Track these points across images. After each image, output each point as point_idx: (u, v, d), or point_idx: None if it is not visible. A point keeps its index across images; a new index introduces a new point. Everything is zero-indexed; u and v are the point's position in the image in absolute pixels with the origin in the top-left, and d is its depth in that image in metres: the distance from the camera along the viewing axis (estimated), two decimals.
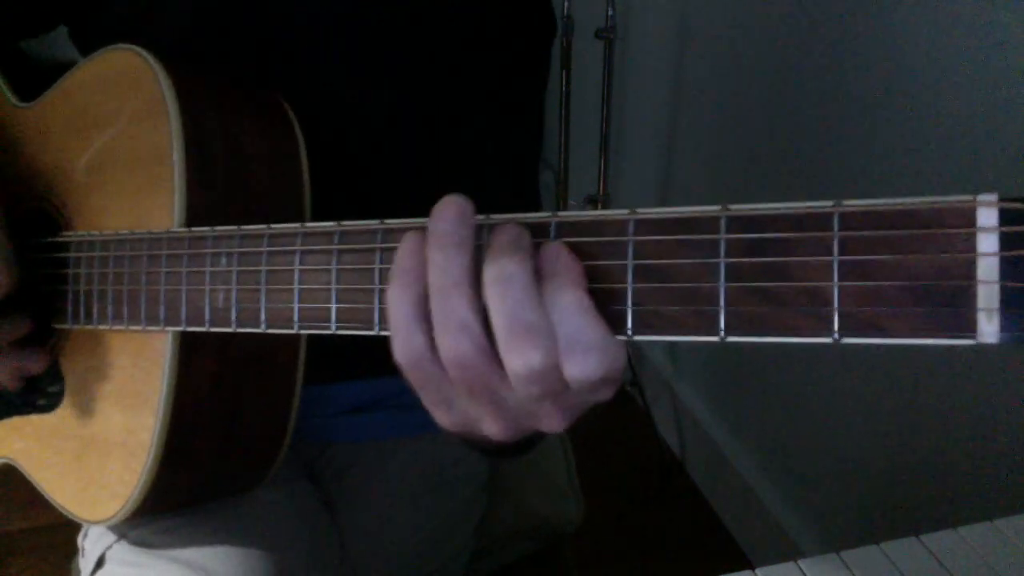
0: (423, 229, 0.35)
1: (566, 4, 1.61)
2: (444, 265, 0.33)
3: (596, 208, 1.72)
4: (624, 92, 1.86)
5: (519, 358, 0.32)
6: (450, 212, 0.34)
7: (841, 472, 1.24)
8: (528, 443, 0.47)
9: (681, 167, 1.68)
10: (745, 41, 1.38)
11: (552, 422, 0.37)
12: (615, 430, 1.72)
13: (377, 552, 0.70)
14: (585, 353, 0.32)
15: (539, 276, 0.33)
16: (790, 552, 1.33)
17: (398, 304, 0.35)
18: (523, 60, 0.69)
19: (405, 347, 0.36)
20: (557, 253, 0.33)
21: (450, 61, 0.64)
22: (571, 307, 0.32)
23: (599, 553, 1.45)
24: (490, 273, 0.33)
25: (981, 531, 0.57)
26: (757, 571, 0.53)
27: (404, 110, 0.64)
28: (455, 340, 0.33)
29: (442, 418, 0.40)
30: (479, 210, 0.36)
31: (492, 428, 0.38)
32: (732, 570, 0.53)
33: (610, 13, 1.56)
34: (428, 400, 0.39)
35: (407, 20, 0.62)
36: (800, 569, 0.54)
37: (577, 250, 0.33)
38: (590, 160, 1.75)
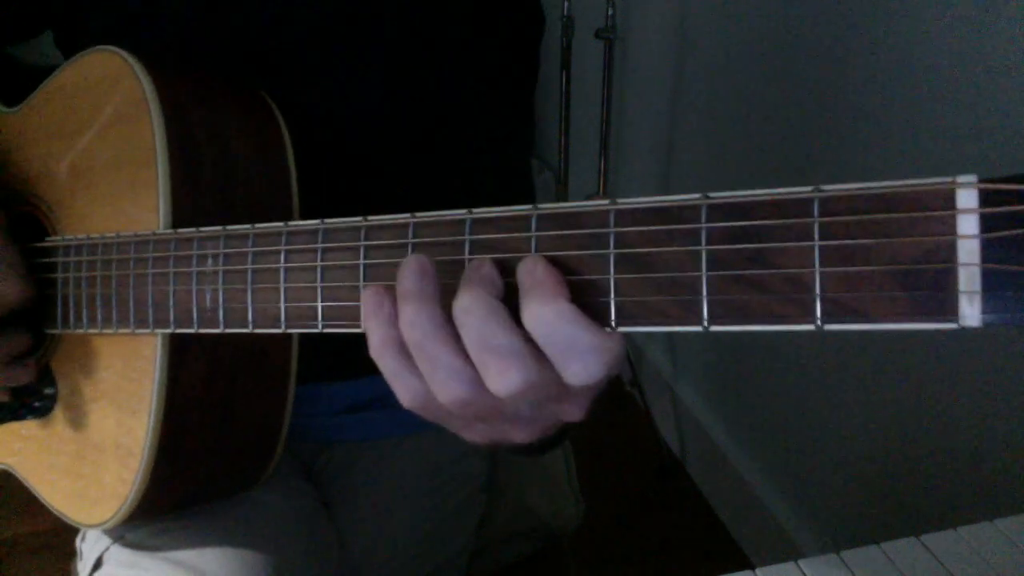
0: (382, 285, 0.36)
1: (566, 4, 1.60)
2: (413, 319, 0.34)
3: None
4: (624, 92, 1.86)
5: (498, 381, 0.33)
6: (410, 269, 0.35)
7: (841, 472, 1.23)
8: (563, 432, 0.47)
9: (681, 167, 1.68)
10: (744, 41, 1.38)
11: (571, 415, 0.37)
12: (615, 430, 1.71)
13: (376, 552, 0.70)
14: (582, 359, 0.32)
15: (519, 292, 0.33)
16: (790, 552, 1.32)
17: (382, 360, 0.36)
18: (512, 55, 0.69)
19: (407, 396, 0.37)
20: (532, 267, 0.33)
21: (440, 56, 0.64)
22: (554, 319, 0.32)
23: (599, 553, 1.44)
24: (454, 311, 0.34)
25: (981, 531, 0.56)
26: (757, 571, 0.53)
27: (395, 106, 0.64)
28: (446, 385, 0.34)
29: (471, 439, 0.41)
30: (471, 203, 0.36)
31: (519, 436, 0.39)
32: (732, 570, 0.52)
33: (610, 13, 1.56)
34: (452, 428, 0.40)
35: (396, 16, 0.62)
36: (800, 569, 0.54)
37: (558, 242, 0.33)
38: (590, 160, 1.74)
